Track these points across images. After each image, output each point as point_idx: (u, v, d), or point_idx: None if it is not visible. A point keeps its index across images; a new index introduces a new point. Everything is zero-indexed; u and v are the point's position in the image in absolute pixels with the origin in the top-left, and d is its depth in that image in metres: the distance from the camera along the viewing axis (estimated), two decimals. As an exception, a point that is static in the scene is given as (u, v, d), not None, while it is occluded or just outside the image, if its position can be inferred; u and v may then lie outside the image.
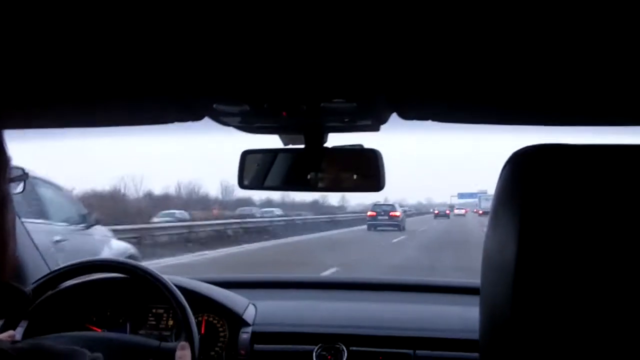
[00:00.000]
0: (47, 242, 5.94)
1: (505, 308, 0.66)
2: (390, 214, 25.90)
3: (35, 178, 6.40)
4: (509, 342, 0.66)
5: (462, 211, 63.12)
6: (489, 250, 0.71)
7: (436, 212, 53.38)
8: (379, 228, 24.90)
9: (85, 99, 1.22)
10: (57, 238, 6.35)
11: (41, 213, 6.64)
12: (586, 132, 1.27)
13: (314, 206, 45.72)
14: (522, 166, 0.68)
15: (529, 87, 1.06)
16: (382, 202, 27.71)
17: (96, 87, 1.13)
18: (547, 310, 0.63)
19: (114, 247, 7.80)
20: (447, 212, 54.75)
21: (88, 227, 7.38)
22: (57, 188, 7.43)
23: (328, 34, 0.81)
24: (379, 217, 25.87)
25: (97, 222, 7.82)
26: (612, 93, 1.08)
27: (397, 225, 25.12)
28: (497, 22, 0.74)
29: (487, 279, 0.72)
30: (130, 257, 7.22)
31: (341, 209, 53.41)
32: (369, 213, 26.79)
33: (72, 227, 7.12)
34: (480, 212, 55.56)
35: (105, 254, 7.11)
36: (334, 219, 31.11)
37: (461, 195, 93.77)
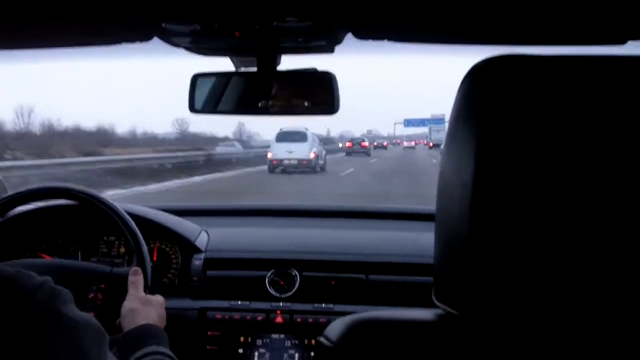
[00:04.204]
0: (322, 150, 22.69)
1: (462, 229, 0.65)
2: (362, 144, 38.07)
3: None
4: (465, 262, 0.65)
5: (412, 143, 67.24)
6: (445, 170, 0.69)
7: (375, 144, 57.51)
8: (353, 154, 35.86)
9: (24, 18, 1.16)
10: (322, 147, 22.83)
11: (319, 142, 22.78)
12: (551, 52, 1.27)
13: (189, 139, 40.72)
14: (482, 77, 0.65)
15: (488, 2, 1.04)
16: (356, 137, 43.20)
17: (37, 5, 1.07)
18: (504, 230, 0.63)
19: (323, 150, 22.88)
20: (385, 144, 60.86)
21: (322, 144, 23.05)
22: (315, 135, 22.12)
23: None
24: (354, 147, 37.52)
25: (323, 144, 25.14)
26: (576, 11, 1.07)
27: (366, 152, 36.86)
28: None
29: (443, 200, 0.70)
30: (325, 155, 23.59)
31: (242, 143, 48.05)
32: (347, 144, 39.55)
33: (320, 145, 22.46)
34: (431, 144, 56.65)
35: (322, 153, 22.21)
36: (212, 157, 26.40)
37: (408, 122, 76.15)
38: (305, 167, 20.32)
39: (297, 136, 20.66)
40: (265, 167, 21.05)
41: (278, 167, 20.59)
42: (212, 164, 22.63)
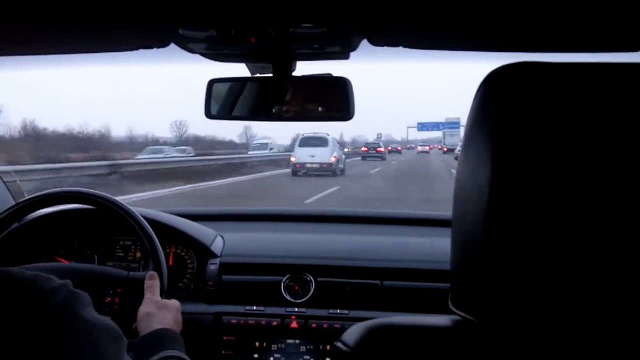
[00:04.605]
0: (342, 154, 24.21)
1: (478, 234, 0.65)
2: (377, 149, 38.72)
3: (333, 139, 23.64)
4: (481, 268, 0.65)
5: (426, 148, 66.61)
6: (461, 176, 0.69)
7: (389, 148, 57.89)
8: (368, 158, 36.72)
9: (42, 23, 1.17)
10: (342, 152, 24.70)
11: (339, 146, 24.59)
12: (565, 59, 1.27)
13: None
14: (499, 84, 0.65)
15: (503, 9, 1.04)
16: (371, 141, 45.67)
17: (54, 9, 1.08)
18: (520, 235, 0.62)
19: (343, 154, 24.62)
20: (399, 148, 62.17)
21: (342, 149, 26.87)
22: (335, 140, 23.98)
23: None
24: (370, 152, 38.42)
25: (343, 147, 30.90)
26: (589, 18, 1.07)
27: (381, 157, 37.25)
28: None
29: (459, 205, 0.70)
30: (345, 159, 25.66)
31: (242, 146, 45.39)
32: (363, 149, 40.55)
33: (340, 149, 24.12)
34: (445, 149, 56.66)
35: (342, 157, 23.42)
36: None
37: (422, 126, 74.35)
38: (325, 171, 21.55)
39: (319, 141, 22.30)
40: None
41: (301, 171, 21.91)
42: (119, 179, 16.01)
